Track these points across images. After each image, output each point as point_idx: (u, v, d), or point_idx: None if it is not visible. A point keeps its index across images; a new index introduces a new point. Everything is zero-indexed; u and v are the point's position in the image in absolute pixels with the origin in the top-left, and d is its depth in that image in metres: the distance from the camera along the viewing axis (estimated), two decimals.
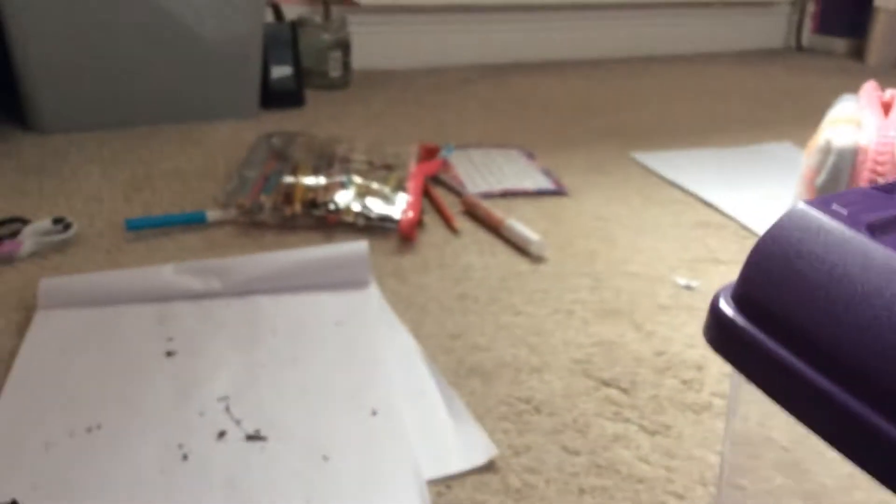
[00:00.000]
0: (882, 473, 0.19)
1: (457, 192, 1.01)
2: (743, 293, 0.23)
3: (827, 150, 0.81)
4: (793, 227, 0.23)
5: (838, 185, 0.80)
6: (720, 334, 0.24)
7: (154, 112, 1.25)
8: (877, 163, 0.79)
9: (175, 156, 1.12)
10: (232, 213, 0.89)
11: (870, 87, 0.93)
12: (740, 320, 0.23)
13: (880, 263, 0.20)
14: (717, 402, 0.61)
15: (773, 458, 0.50)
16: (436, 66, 1.84)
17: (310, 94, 1.48)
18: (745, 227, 0.93)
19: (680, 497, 0.51)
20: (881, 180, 0.80)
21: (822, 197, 0.25)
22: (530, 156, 1.15)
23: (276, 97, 1.39)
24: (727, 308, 0.24)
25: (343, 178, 0.94)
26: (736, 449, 0.54)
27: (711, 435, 0.57)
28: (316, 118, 1.35)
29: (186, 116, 1.27)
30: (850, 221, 0.22)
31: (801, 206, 0.24)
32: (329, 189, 0.92)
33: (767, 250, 0.23)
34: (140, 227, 0.85)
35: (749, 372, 0.22)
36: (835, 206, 0.23)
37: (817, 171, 0.82)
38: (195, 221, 0.87)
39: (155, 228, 0.86)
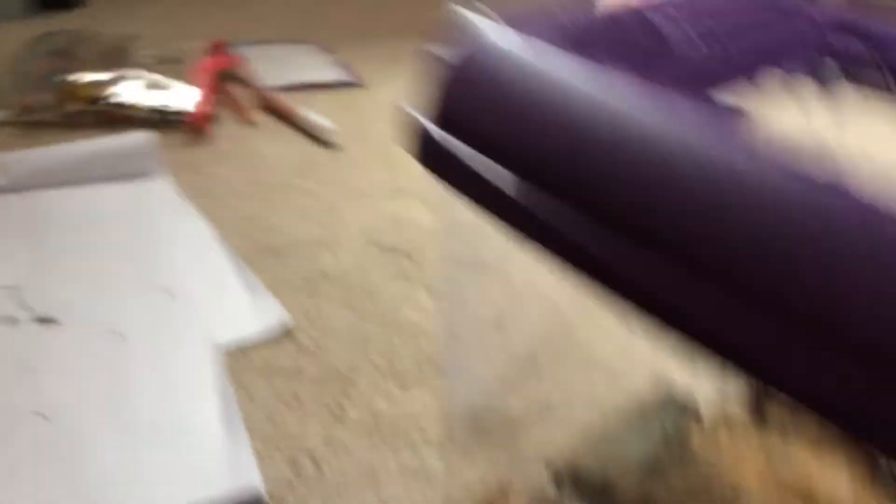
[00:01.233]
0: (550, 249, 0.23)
1: (252, 85, 1.01)
2: (443, 113, 0.27)
3: None
4: (487, 54, 0.27)
5: None
6: (424, 150, 0.27)
7: None
8: None
9: None
10: (10, 113, 0.84)
11: None
12: (444, 137, 0.27)
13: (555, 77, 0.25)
14: (489, 259, 0.68)
15: (542, 310, 0.58)
16: None
17: None
18: None
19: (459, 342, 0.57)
20: None
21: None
22: (328, 50, 1.16)
23: None
24: (431, 127, 0.27)
25: (129, 73, 0.91)
26: (507, 300, 0.61)
27: (486, 291, 0.64)
28: (101, 20, 1.27)
29: None
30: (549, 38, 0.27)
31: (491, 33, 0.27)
32: (114, 83, 0.89)
33: (464, 75, 0.27)
34: None
35: (451, 180, 0.27)
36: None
37: None
38: None
39: None
